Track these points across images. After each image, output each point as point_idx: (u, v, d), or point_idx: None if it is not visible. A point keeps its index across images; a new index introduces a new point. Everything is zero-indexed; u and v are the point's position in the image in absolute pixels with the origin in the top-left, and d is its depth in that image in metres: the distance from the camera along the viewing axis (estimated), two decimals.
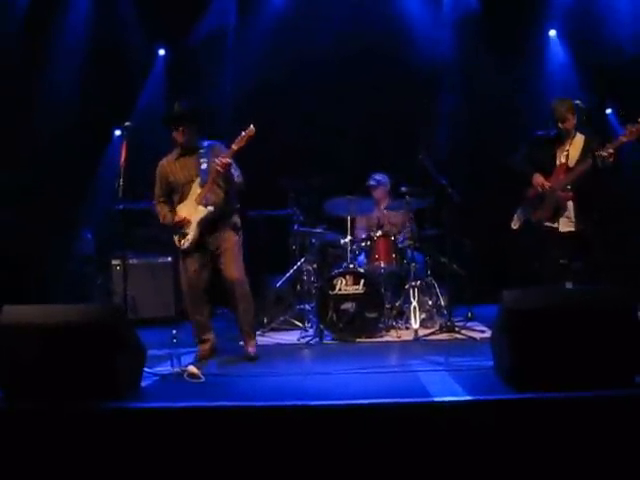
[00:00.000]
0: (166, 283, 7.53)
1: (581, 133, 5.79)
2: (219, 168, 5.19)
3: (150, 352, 4.80)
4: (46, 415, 3.89)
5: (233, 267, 5.38)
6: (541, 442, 3.71)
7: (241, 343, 5.56)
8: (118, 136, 8.04)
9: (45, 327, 4.18)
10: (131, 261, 7.14)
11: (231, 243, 5.42)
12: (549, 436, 3.71)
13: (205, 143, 5.49)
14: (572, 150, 5.78)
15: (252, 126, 5.19)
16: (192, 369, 4.76)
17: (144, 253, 7.62)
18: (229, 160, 5.22)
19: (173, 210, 5.48)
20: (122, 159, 5.19)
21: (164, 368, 4.93)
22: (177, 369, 4.84)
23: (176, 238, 5.42)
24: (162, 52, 8.62)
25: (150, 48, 8.53)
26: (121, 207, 5.28)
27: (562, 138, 5.83)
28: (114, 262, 7.55)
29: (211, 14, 8.49)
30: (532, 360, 4.11)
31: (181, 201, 5.44)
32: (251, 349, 5.46)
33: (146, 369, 4.72)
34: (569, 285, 5.90)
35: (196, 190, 5.36)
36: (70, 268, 7.77)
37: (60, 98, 7.94)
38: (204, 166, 5.34)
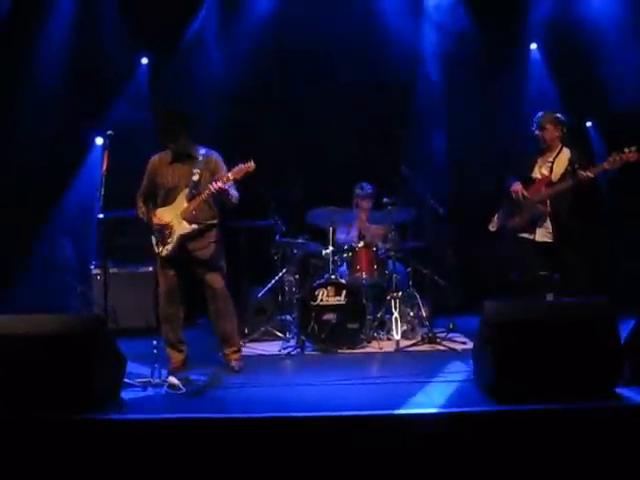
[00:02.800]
0: (147, 293, 7.42)
1: (567, 148, 5.85)
2: (212, 191, 5.14)
3: (130, 363, 4.77)
4: (24, 426, 3.84)
5: (219, 281, 5.35)
6: (522, 454, 3.72)
7: (222, 357, 5.50)
8: (99, 144, 8.00)
9: (24, 337, 4.15)
10: (112, 270, 7.07)
11: (218, 258, 5.39)
12: (530, 448, 3.73)
13: (202, 151, 5.39)
14: (557, 165, 5.84)
15: (252, 162, 5.14)
16: (173, 380, 4.74)
17: (125, 262, 7.55)
18: (223, 187, 5.13)
19: (152, 210, 5.39)
20: (104, 168, 5.16)
21: (144, 379, 4.89)
22: (158, 380, 4.80)
23: (154, 241, 5.34)
24: (145, 60, 8.58)
25: (133, 56, 8.49)
26: (102, 216, 5.25)
27: (542, 150, 5.90)
28: (94, 271, 7.48)
29: (194, 22, 8.46)
30: (513, 372, 4.13)
31: (164, 204, 5.35)
32: (234, 363, 5.42)
33: (126, 380, 4.69)
34: (550, 297, 5.94)
35: (182, 202, 5.26)
36: (50, 277, 7.69)
37: (41, 105, 7.86)
38: (195, 177, 5.25)
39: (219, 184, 5.12)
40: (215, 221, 5.40)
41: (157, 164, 5.43)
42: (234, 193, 5.30)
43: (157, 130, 5.39)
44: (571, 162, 5.73)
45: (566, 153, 5.85)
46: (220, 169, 5.34)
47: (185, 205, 5.26)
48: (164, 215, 5.31)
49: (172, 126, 5.28)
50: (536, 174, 5.93)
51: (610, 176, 6.39)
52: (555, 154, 5.87)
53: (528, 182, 5.91)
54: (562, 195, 5.72)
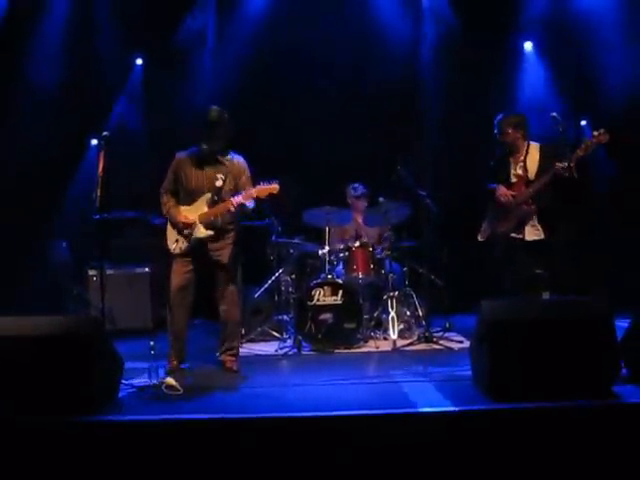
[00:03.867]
0: (143, 294, 7.47)
1: (534, 143, 5.87)
2: (231, 207, 5.14)
3: (127, 364, 4.76)
4: (21, 428, 3.83)
5: (230, 285, 5.37)
6: (519, 452, 3.73)
7: (219, 357, 5.49)
8: (95, 145, 7.99)
9: (21, 339, 4.14)
10: (108, 272, 7.06)
11: (233, 259, 5.39)
12: (527, 446, 3.73)
13: (228, 156, 5.36)
14: (530, 162, 5.88)
15: (277, 184, 5.14)
16: (170, 381, 4.73)
17: (121, 263, 7.55)
18: (243, 201, 5.13)
19: (177, 206, 5.36)
20: (100, 169, 5.15)
21: (142, 380, 4.88)
22: (155, 381, 4.80)
23: (170, 238, 5.34)
24: (139, 61, 8.58)
25: (127, 57, 8.48)
26: (98, 217, 5.24)
27: (510, 152, 5.94)
28: (91, 272, 7.48)
29: (188, 23, 8.46)
30: (510, 370, 4.13)
31: (187, 203, 5.33)
32: (231, 364, 5.42)
33: (123, 381, 4.69)
34: (546, 295, 5.96)
35: (203, 206, 5.25)
36: (46, 279, 7.67)
37: (36, 106, 7.85)
38: (219, 183, 5.24)
39: (240, 199, 5.12)
40: (233, 225, 5.40)
41: (183, 164, 5.38)
42: (251, 205, 5.26)
43: (198, 127, 5.31)
44: (544, 153, 5.76)
45: (536, 148, 5.89)
46: (243, 174, 5.33)
47: (205, 210, 5.25)
48: (189, 214, 5.29)
49: (212, 128, 5.24)
50: (511, 177, 5.95)
51: (609, 175, 6.45)
52: (524, 153, 5.91)
53: (506, 185, 5.93)
54: (545, 189, 5.74)
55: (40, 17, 8.06)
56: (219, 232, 5.31)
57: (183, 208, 5.34)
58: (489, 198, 6.03)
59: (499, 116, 5.99)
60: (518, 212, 5.86)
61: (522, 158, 5.90)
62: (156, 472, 3.71)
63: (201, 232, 5.24)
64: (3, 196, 7.55)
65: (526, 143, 5.92)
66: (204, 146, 5.27)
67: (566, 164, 5.46)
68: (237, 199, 5.13)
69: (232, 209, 5.16)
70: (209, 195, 5.26)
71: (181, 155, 5.43)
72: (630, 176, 7.57)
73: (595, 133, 5.50)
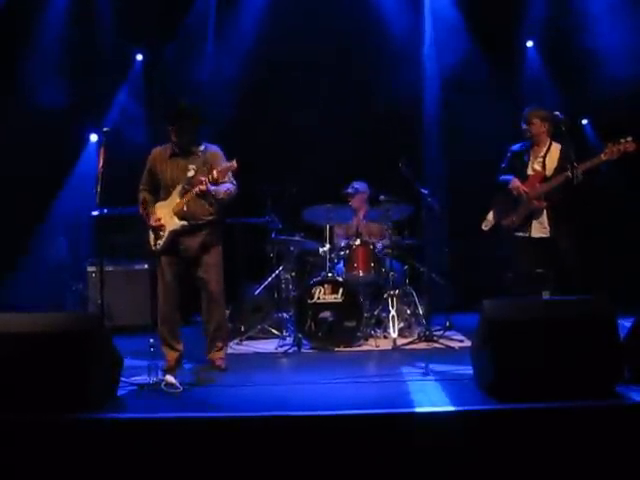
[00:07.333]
0: (143, 290, 7.44)
1: (557, 143, 5.85)
2: (201, 186, 5.08)
3: (127, 361, 4.74)
4: (19, 426, 3.81)
5: (214, 281, 5.31)
6: (522, 453, 3.71)
7: (208, 356, 5.45)
8: (95, 141, 7.96)
9: (19, 336, 4.11)
10: (107, 268, 7.03)
11: (215, 256, 5.33)
12: (530, 447, 3.71)
13: (201, 147, 5.34)
14: (549, 160, 5.85)
15: (234, 161, 5.09)
16: (170, 379, 4.71)
17: (120, 260, 7.53)
18: (204, 189, 5.07)
19: (153, 204, 5.34)
20: (100, 165, 5.13)
21: (141, 377, 4.85)
22: (154, 379, 4.77)
23: (150, 237, 5.32)
24: (140, 57, 8.55)
25: (127, 53, 8.45)
26: (97, 213, 5.21)
27: (532, 144, 5.90)
28: (89, 269, 7.46)
29: (189, 19, 8.43)
30: (512, 370, 4.11)
31: (164, 198, 5.31)
32: (220, 362, 5.38)
33: (123, 379, 4.66)
34: (546, 294, 5.93)
35: (175, 198, 5.23)
36: (44, 275, 7.65)
37: (35, 102, 7.82)
38: (190, 173, 5.21)
39: (201, 187, 5.07)
40: (211, 218, 5.32)
41: (157, 158, 5.37)
42: (222, 188, 5.18)
43: (166, 121, 5.31)
44: (564, 153, 5.72)
45: (557, 148, 5.85)
46: (217, 163, 5.26)
47: (177, 201, 5.22)
48: (160, 210, 5.28)
49: (181, 120, 5.23)
50: (529, 170, 5.92)
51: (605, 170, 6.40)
52: (545, 149, 5.88)
53: (521, 178, 5.90)
54: (559, 189, 5.71)
55: (40, 12, 8.02)
56: (192, 227, 5.25)
57: (159, 204, 5.31)
58: (499, 189, 5.98)
59: (528, 107, 5.97)
60: (528, 207, 5.83)
61: (542, 154, 5.88)
62: (156, 470, 3.69)
63: (174, 223, 5.20)
64: (2, 192, 7.51)
65: (549, 140, 5.89)
66: (174, 139, 5.27)
67: (584, 168, 5.42)
68: (200, 187, 5.07)
69: (202, 188, 5.06)
70: (180, 186, 5.22)
71: (155, 150, 5.43)
72: (631, 176, 7.54)
73: (622, 140, 5.45)
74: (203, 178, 5.09)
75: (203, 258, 5.29)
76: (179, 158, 5.31)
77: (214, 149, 5.39)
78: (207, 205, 5.28)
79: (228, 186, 5.25)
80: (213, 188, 5.12)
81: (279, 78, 8.21)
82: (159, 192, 5.38)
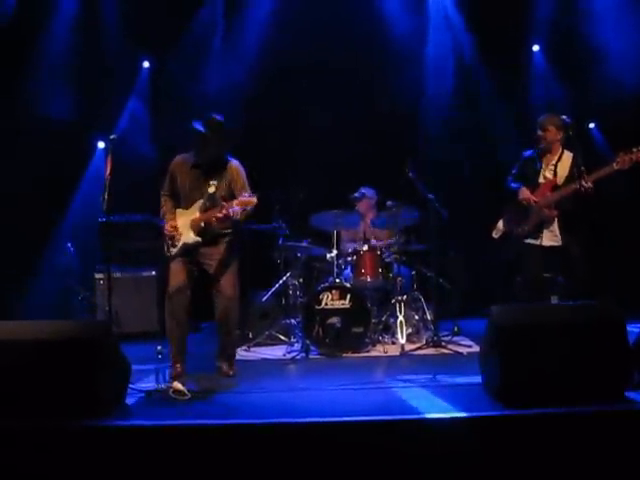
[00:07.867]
0: (150, 297, 7.44)
1: (569, 151, 5.81)
2: (219, 214, 5.05)
3: (134, 368, 4.74)
4: (28, 433, 3.81)
5: (230, 286, 5.31)
6: (530, 458, 3.69)
7: (217, 363, 5.46)
8: (102, 148, 7.98)
9: (27, 343, 4.12)
10: (115, 275, 7.05)
11: (232, 262, 5.33)
12: (538, 452, 3.69)
13: (225, 162, 5.30)
14: (560, 168, 5.81)
15: (255, 198, 5.03)
16: (178, 386, 4.70)
17: (128, 267, 7.54)
18: (222, 216, 5.05)
19: (174, 210, 5.36)
20: (107, 172, 5.13)
21: (149, 384, 4.86)
22: (162, 385, 4.77)
23: (166, 241, 5.34)
24: (147, 64, 8.57)
25: (135, 60, 8.48)
26: (105, 220, 5.21)
27: (544, 151, 5.86)
28: (97, 276, 7.47)
29: (196, 25, 8.46)
30: (520, 376, 4.10)
31: (184, 206, 5.32)
32: (228, 369, 5.39)
33: (131, 385, 4.66)
34: (555, 300, 5.91)
35: (195, 212, 5.24)
36: (52, 282, 7.66)
37: (43, 109, 7.85)
38: (211, 190, 5.22)
39: (221, 214, 5.05)
40: (229, 230, 5.35)
41: (180, 167, 5.37)
42: (239, 209, 5.06)
43: (191, 134, 5.28)
44: (575, 162, 5.68)
45: (569, 156, 5.80)
46: (237, 179, 5.28)
47: (197, 215, 5.24)
48: (180, 218, 5.30)
49: (207, 137, 5.20)
50: (540, 178, 5.89)
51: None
52: (557, 157, 5.84)
53: (531, 186, 5.87)
54: (569, 197, 5.68)
55: (47, 20, 8.06)
56: (214, 237, 5.28)
57: (179, 211, 5.34)
58: (509, 197, 5.96)
59: (544, 114, 5.94)
60: (538, 215, 5.80)
61: (554, 162, 5.83)
62: (164, 477, 3.68)
63: (189, 237, 5.23)
64: (10, 200, 7.54)
65: (561, 149, 5.85)
66: (198, 154, 5.29)
67: (593, 178, 5.40)
68: (220, 213, 5.04)
69: (220, 216, 5.06)
70: (201, 201, 5.24)
71: (178, 159, 5.42)
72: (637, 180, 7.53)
73: (635, 149, 5.40)
74: (220, 214, 5.04)
75: (220, 263, 5.29)
76: (200, 171, 5.30)
77: (235, 165, 5.36)
78: (223, 224, 5.27)
79: (238, 209, 5.16)
80: (231, 210, 5.05)
81: (285, 83, 8.22)
82: (179, 199, 5.39)
